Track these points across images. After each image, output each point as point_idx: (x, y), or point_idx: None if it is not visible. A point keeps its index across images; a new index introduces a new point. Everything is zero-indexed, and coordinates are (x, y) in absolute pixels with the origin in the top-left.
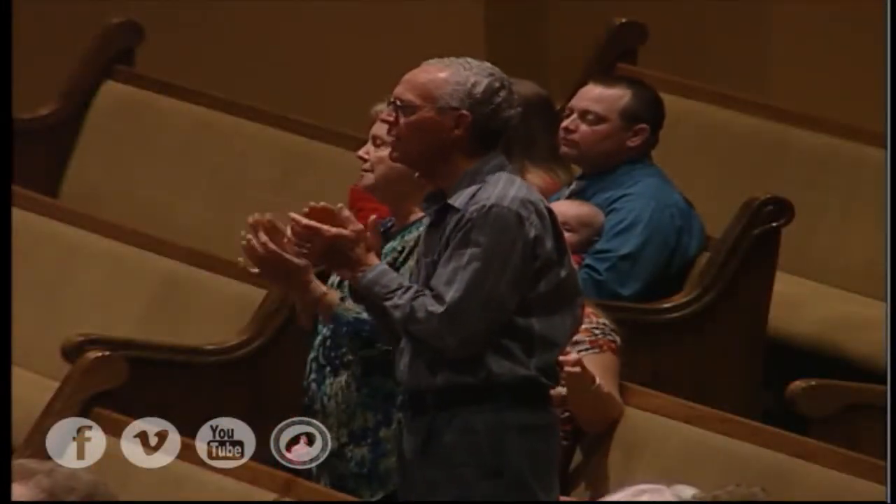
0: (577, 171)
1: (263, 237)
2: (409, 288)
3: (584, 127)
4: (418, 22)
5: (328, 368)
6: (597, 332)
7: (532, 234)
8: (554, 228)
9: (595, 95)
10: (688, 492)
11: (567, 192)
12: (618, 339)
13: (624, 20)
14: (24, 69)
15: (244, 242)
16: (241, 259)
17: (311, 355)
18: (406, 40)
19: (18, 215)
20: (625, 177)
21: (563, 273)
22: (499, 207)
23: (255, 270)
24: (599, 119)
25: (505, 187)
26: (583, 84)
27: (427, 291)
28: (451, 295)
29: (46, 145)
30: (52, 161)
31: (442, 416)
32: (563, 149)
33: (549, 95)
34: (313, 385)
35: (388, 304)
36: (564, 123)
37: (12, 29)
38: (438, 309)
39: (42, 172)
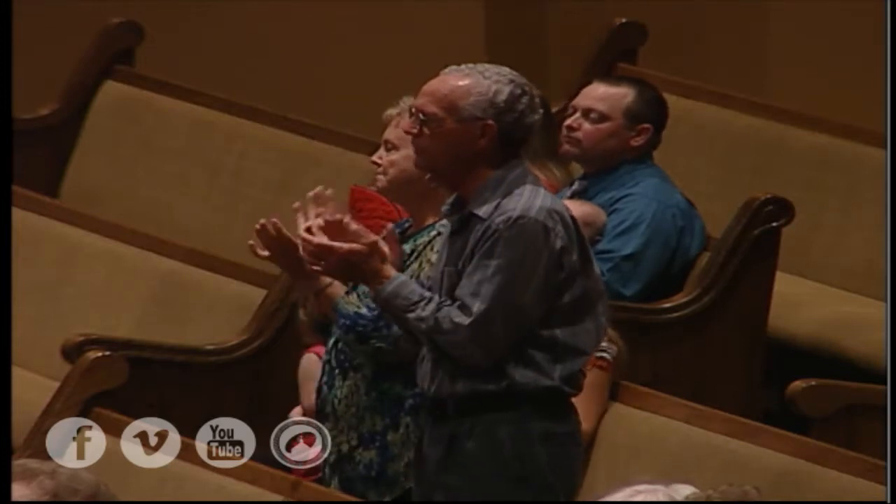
0: (578, 170)
1: (276, 220)
2: (431, 299)
3: (587, 125)
4: (418, 22)
5: (338, 371)
6: None
7: (558, 245)
8: (578, 237)
9: (599, 94)
10: (685, 491)
11: (569, 191)
12: (610, 354)
13: (624, 20)
14: (24, 69)
15: (258, 226)
16: (251, 242)
17: (324, 358)
18: (406, 40)
19: (18, 215)
20: (626, 177)
21: (587, 282)
22: (525, 219)
23: (265, 254)
24: (603, 118)
25: (531, 198)
26: (584, 84)
27: (450, 302)
28: (477, 306)
29: (46, 145)
30: (52, 161)
31: (464, 424)
32: (566, 147)
33: (542, 94)
34: (324, 388)
35: (411, 316)
36: (567, 122)
37: (12, 29)
38: (465, 320)
39: (42, 172)
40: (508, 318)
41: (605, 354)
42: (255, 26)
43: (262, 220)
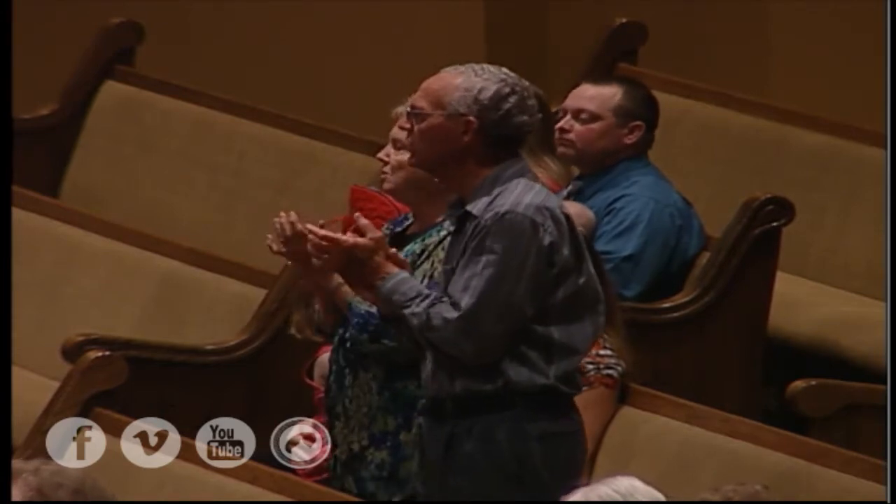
0: (575, 171)
1: (294, 216)
2: (427, 296)
3: (578, 126)
4: (418, 22)
5: (347, 370)
6: (590, 366)
7: (547, 240)
8: (571, 234)
9: (588, 94)
10: (623, 482)
11: (565, 192)
12: (617, 371)
13: (624, 20)
14: (24, 69)
15: (275, 221)
16: (269, 236)
17: (332, 356)
18: (406, 40)
19: (18, 215)
20: (621, 176)
21: (581, 280)
22: (513, 214)
23: (281, 249)
24: (593, 117)
25: (521, 194)
26: (574, 85)
27: (445, 299)
28: (465, 301)
29: (46, 145)
30: (53, 161)
31: (462, 424)
32: (560, 149)
33: (539, 91)
34: (333, 386)
35: (406, 311)
36: (559, 124)
37: (12, 29)
38: (454, 315)
39: (42, 172)
40: (499, 312)
41: (611, 372)
42: (255, 26)
43: (281, 214)
